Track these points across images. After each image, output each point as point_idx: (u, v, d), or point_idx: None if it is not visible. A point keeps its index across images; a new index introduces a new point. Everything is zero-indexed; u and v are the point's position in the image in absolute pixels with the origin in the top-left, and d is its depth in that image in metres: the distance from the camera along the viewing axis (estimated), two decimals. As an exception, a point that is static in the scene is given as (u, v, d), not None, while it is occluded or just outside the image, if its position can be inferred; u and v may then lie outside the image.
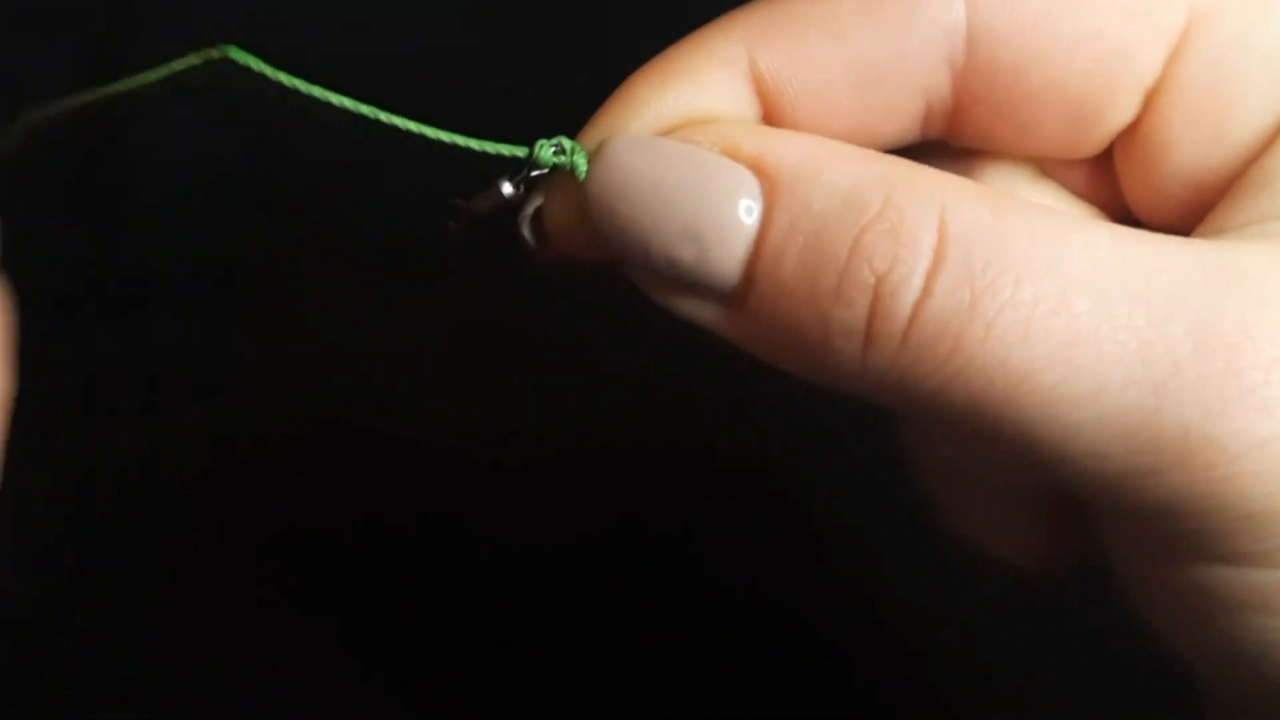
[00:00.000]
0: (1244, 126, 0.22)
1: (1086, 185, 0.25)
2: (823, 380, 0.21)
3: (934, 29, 0.22)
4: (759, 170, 0.20)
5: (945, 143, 0.24)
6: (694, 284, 0.21)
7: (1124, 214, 0.24)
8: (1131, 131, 0.23)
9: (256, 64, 0.19)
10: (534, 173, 0.22)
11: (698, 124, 0.22)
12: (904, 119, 0.23)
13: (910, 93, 0.22)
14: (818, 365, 0.20)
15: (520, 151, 0.22)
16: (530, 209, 0.23)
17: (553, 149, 0.22)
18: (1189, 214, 0.23)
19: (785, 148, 0.20)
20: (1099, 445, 0.19)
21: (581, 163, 0.22)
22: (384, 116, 0.21)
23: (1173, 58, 0.22)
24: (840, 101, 0.22)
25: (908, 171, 0.20)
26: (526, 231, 0.23)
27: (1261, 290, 0.19)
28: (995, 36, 0.22)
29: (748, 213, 0.20)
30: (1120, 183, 0.24)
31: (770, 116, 0.22)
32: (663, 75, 0.22)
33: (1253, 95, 0.22)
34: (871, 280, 0.19)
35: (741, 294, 0.21)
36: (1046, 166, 0.25)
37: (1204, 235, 0.22)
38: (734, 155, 0.21)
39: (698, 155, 0.21)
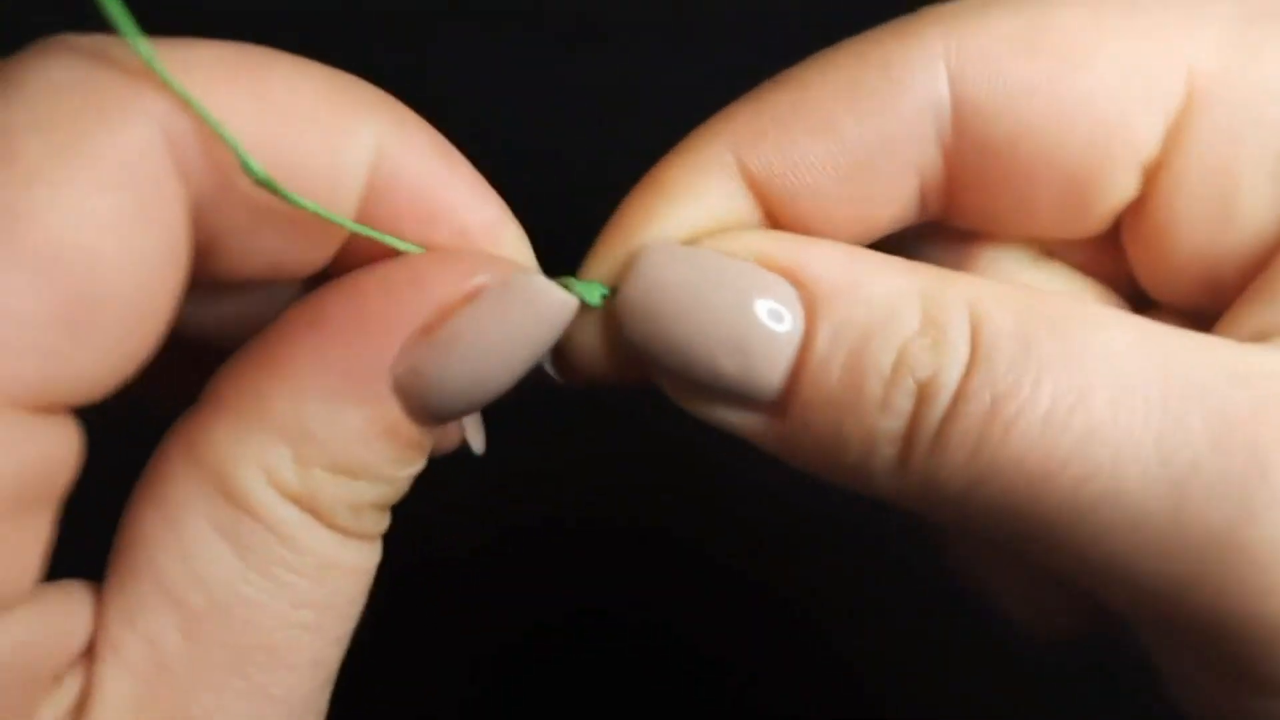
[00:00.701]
0: (1253, 204, 0.21)
1: (1095, 262, 0.24)
2: (856, 486, 0.21)
3: (920, 108, 0.21)
4: (796, 280, 0.20)
5: (947, 225, 0.24)
6: (734, 395, 0.21)
7: (1135, 291, 0.24)
8: (1136, 209, 0.22)
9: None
10: None
11: (724, 233, 0.22)
12: (900, 202, 0.22)
13: (903, 175, 0.22)
14: (856, 471, 0.21)
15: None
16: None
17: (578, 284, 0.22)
18: (1203, 292, 0.23)
19: (819, 259, 0.20)
20: (1125, 554, 0.19)
21: (588, 294, 0.22)
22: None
23: (1174, 131, 0.21)
24: (836, 193, 0.22)
25: (940, 281, 0.20)
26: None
27: None
28: (982, 112, 0.21)
29: (787, 322, 0.20)
30: (1129, 261, 0.23)
31: (771, 217, 0.22)
32: (659, 192, 0.22)
33: (1260, 171, 0.21)
34: (914, 389, 0.20)
35: (783, 403, 0.21)
36: (1053, 246, 0.24)
37: (1224, 334, 0.21)
38: (768, 265, 0.21)
39: (733, 265, 0.21)
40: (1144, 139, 0.21)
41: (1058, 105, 0.21)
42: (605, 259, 0.22)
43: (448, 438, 0.24)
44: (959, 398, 0.19)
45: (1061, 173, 0.21)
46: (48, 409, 0.17)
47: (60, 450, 0.18)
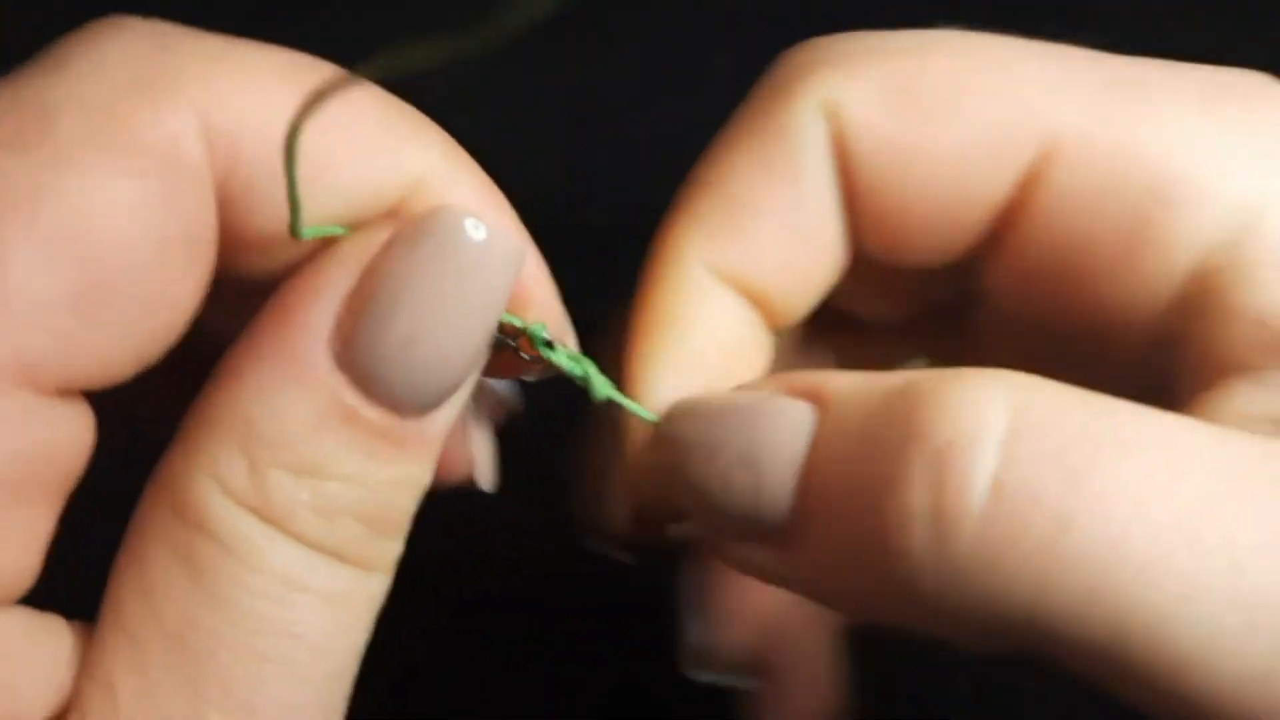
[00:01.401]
0: (1103, 265, 0.21)
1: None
2: (882, 611, 0.19)
3: (816, 159, 0.22)
4: (811, 395, 0.20)
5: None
6: (749, 521, 0.19)
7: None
8: (991, 248, 0.23)
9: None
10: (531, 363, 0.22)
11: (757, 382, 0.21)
12: (837, 247, 0.23)
13: (828, 223, 0.23)
14: (879, 584, 0.18)
15: (518, 321, 0.21)
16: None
17: (544, 339, 0.21)
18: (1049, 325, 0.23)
19: (837, 378, 0.20)
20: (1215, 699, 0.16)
21: (597, 384, 0.22)
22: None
23: (1024, 187, 0.22)
24: (791, 261, 0.23)
25: (969, 380, 0.18)
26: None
27: None
28: (858, 157, 0.22)
29: (796, 434, 0.19)
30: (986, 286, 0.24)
31: (757, 305, 0.23)
32: (665, 331, 0.22)
33: (1111, 235, 0.21)
34: (938, 472, 0.17)
35: (796, 523, 0.19)
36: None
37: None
38: (786, 389, 0.20)
39: (750, 396, 0.20)
40: (991, 193, 0.22)
41: (919, 155, 0.22)
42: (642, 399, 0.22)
43: (453, 468, 0.23)
44: (990, 513, 0.17)
45: (924, 211, 0.22)
46: (57, 392, 0.17)
47: (68, 436, 0.18)
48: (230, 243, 0.19)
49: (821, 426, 0.19)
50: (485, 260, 0.18)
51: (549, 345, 0.21)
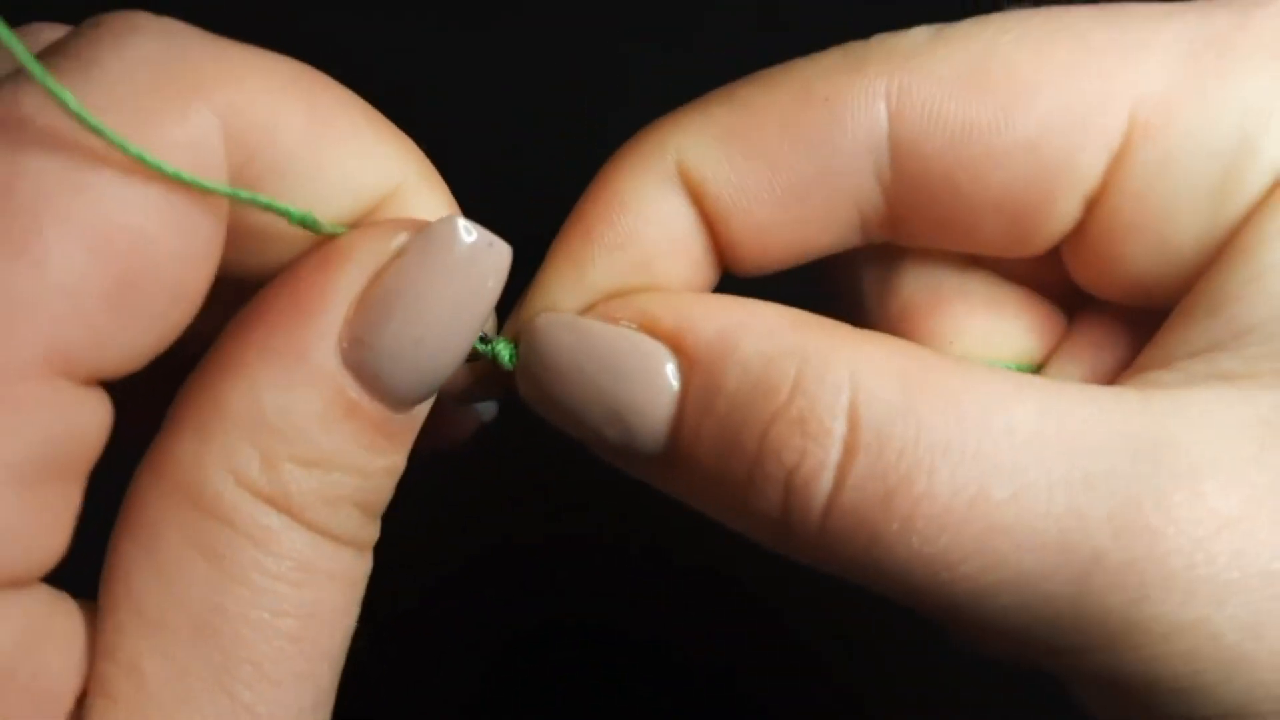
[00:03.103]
0: (1188, 233, 0.21)
1: (1032, 268, 0.24)
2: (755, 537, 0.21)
3: (858, 146, 0.21)
4: (678, 345, 0.21)
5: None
6: (625, 452, 0.22)
7: (1073, 290, 0.24)
8: (1076, 235, 0.22)
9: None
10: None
11: (621, 297, 0.22)
12: (838, 230, 0.22)
13: (840, 207, 0.22)
14: (744, 531, 0.21)
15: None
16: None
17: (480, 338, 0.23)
18: (1140, 299, 0.23)
19: (702, 322, 0.21)
20: (1026, 626, 0.19)
21: (504, 352, 0.23)
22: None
23: (1114, 164, 0.21)
24: (771, 217, 0.22)
25: (822, 343, 0.20)
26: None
27: (1189, 461, 0.19)
28: (921, 152, 0.21)
29: (666, 390, 0.21)
30: (1071, 272, 0.23)
31: (711, 227, 0.22)
32: (606, 209, 0.22)
33: (1194, 202, 0.21)
34: (782, 474, 0.20)
35: (668, 462, 0.21)
36: (995, 263, 0.24)
37: (1150, 365, 0.21)
38: (653, 330, 0.21)
39: (616, 335, 0.21)
40: (1085, 175, 0.21)
41: (997, 146, 0.21)
42: (535, 305, 0.23)
43: (438, 436, 0.24)
44: (840, 486, 0.19)
45: (1002, 207, 0.22)
46: (85, 380, 0.18)
47: (94, 421, 0.18)
48: (233, 239, 0.20)
49: (687, 392, 0.20)
50: (485, 267, 0.20)
51: (485, 342, 0.23)
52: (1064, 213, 0.22)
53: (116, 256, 0.17)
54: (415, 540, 0.27)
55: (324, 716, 0.20)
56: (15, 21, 0.19)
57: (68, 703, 0.18)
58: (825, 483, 0.19)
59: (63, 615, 0.18)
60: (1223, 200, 0.21)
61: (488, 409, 0.27)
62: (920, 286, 0.24)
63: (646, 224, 0.22)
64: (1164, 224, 0.21)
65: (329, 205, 0.20)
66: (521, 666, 0.40)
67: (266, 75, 0.19)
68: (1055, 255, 0.23)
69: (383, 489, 0.20)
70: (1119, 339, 0.23)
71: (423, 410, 0.21)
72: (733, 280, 0.24)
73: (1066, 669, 0.21)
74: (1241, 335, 0.20)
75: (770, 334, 0.20)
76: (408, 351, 0.19)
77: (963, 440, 0.19)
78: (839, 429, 0.19)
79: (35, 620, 0.18)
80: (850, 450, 0.19)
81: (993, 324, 0.23)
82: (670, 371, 0.21)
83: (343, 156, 0.20)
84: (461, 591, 0.39)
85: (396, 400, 0.20)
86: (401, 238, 0.20)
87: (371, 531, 0.20)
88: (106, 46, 0.18)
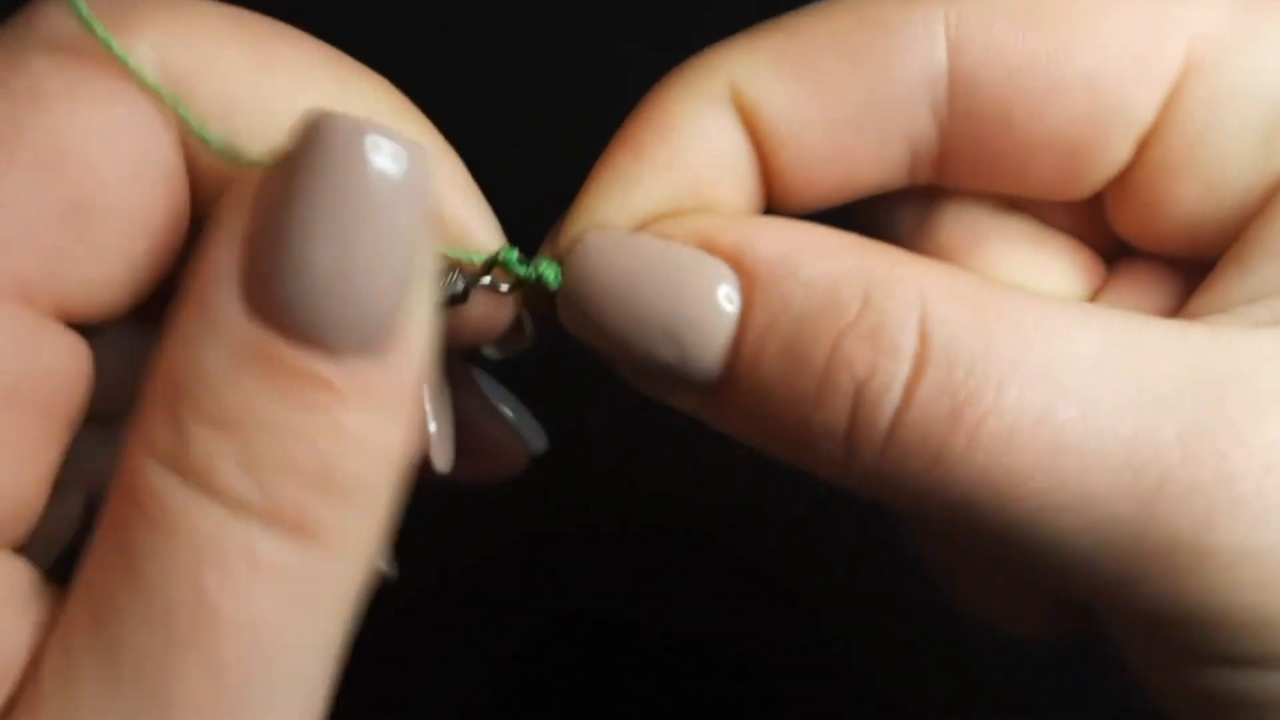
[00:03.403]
0: (1238, 177, 0.21)
1: (1072, 218, 0.24)
2: (808, 469, 0.21)
3: (915, 76, 0.21)
4: (737, 264, 0.20)
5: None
6: (675, 380, 0.20)
7: (1113, 242, 0.24)
8: (1124, 177, 0.22)
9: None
10: (486, 280, 0.22)
11: (674, 217, 0.21)
12: (888, 165, 0.22)
13: (892, 140, 0.22)
14: (800, 460, 0.20)
15: (478, 258, 0.21)
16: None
17: (517, 257, 0.21)
18: (1187, 247, 0.22)
19: (763, 241, 0.20)
20: (1087, 552, 0.19)
21: (549, 272, 0.21)
22: None
23: (1167, 104, 0.21)
24: (822, 147, 0.21)
25: (888, 265, 0.20)
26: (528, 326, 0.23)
27: (1257, 389, 0.19)
28: (979, 84, 0.21)
29: (726, 308, 0.20)
30: (1112, 218, 0.23)
31: (760, 156, 0.22)
32: (655, 126, 0.21)
33: (1246, 145, 0.21)
34: (851, 387, 0.19)
35: (724, 388, 0.20)
36: (1036, 207, 0.24)
37: (1204, 312, 0.21)
38: (711, 249, 0.20)
39: (673, 251, 0.20)
40: (1140, 113, 0.21)
41: (1055, 80, 0.21)
42: (581, 223, 0.22)
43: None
44: (910, 402, 0.19)
45: (1056, 145, 0.21)
46: (54, 314, 0.18)
47: (65, 362, 0.18)
48: (195, 182, 0.19)
49: (750, 311, 0.20)
50: (390, 175, 0.16)
51: (525, 263, 0.21)
52: (1116, 151, 0.22)
53: (65, 180, 0.18)
54: (414, 535, 0.27)
55: None
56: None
57: (6, 684, 0.16)
58: (894, 397, 0.19)
59: (21, 583, 0.17)
60: (1275, 143, 0.21)
61: (537, 440, 0.27)
62: (959, 227, 0.23)
63: (698, 146, 0.21)
64: (1214, 166, 0.21)
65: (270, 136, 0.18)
66: (529, 664, 0.39)
67: (202, 14, 0.19)
68: (1096, 207, 0.23)
69: (341, 459, 0.16)
70: (1161, 289, 0.23)
71: (396, 370, 0.17)
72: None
73: (1119, 604, 0.20)
74: None
75: (836, 253, 0.20)
76: (302, 281, 0.16)
77: (1030, 360, 0.19)
78: (910, 344, 0.19)
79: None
80: (920, 365, 0.19)
81: (1033, 265, 0.23)
82: (731, 288, 0.20)
83: (291, 93, 0.19)
84: (465, 589, 0.39)
85: (325, 342, 0.16)
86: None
87: (337, 517, 0.17)
88: (49, 3, 0.18)
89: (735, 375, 0.20)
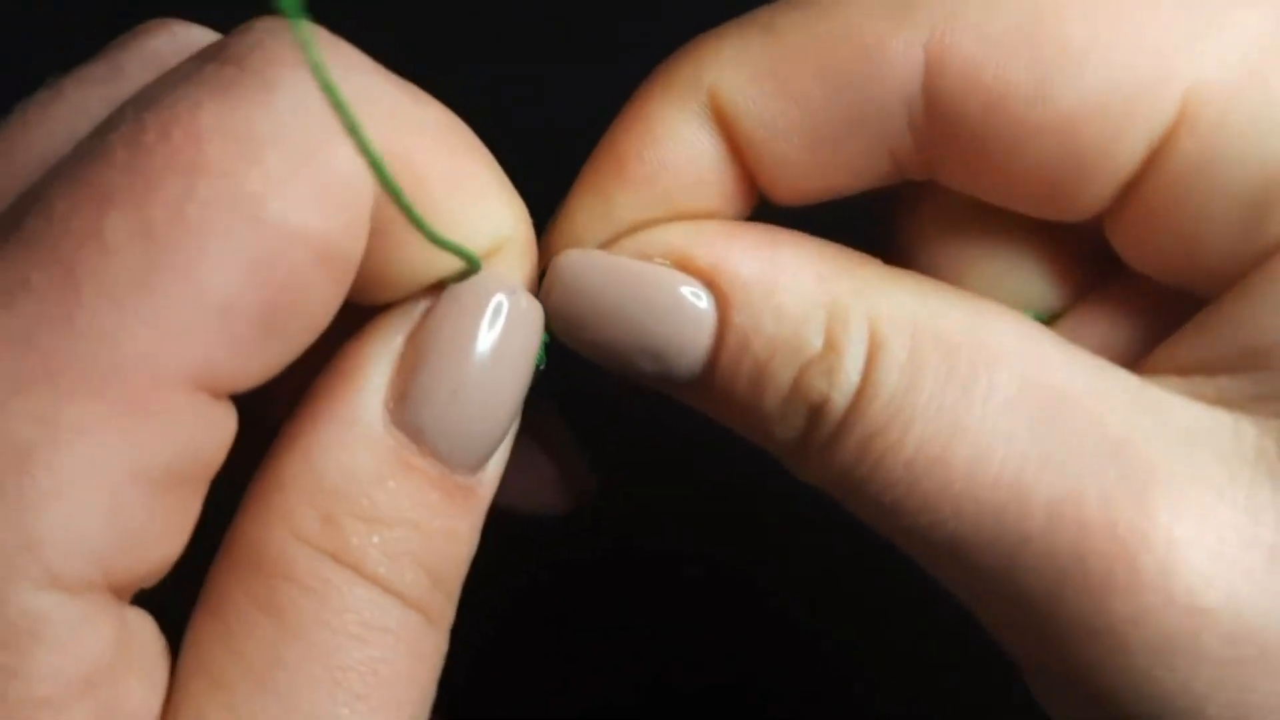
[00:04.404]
0: (1221, 240, 0.20)
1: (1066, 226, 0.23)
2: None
3: (892, 96, 0.21)
4: (712, 284, 0.21)
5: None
6: (658, 380, 0.22)
7: (1106, 253, 0.23)
8: (1112, 212, 0.22)
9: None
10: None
11: (652, 226, 0.22)
12: (871, 173, 0.22)
13: (874, 152, 0.22)
14: (769, 449, 0.22)
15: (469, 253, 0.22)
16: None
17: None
18: (1173, 280, 0.22)
19: (738, 259, 0.21)
20: (966, 583, 0.21)
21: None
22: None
23: (1154, 153, 0.20)
24: (801, 156, 0.22)
25: (851, 294, 0.21)
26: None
27: (1151, 469, 0.19)
28: (955, 112, 0.20)
29: (702, 327, 0.21)
30: (1106, 228, 0.22)
31: (741, 162, 0.22)
32: (635, 137, 0.22)
33: (1230, 211, 0.20)
34: (806, 411, 0.21)
35: (703, 386, 0.22)
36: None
37: (1158, 371, 0.21)
38: (686, 267, 0.21)
39: (649, 273, 0.21)
40: (1121, 163, 0.20)
41: (1033, 121, 0.20)
42: (561, 240, 0.23)
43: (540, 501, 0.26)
44: (841, 426, 0.20)
45: (1034, 179, 0.21)
46: (221, 394, 0.18)
47: (222, 432, 0.19)
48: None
49: (724, 330, 0.21)
50: (517, 325, 0.20)
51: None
52: (1097, 194, 0.21)
53: (272, 285, 0.18)
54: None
55: None
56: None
57: None
58: (834, 421, 0.20)
59: (154, 649, 0.19)
60: (1265, 211, 0.19)
61: (587, 474, 0.28)
62: (939, 225, 0.24)
63: (676, 158, 0.22)
64: (1195, 227, 0.20)
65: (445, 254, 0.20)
66: (533, 674, 0.40)
67: (419, 117, 0.20)
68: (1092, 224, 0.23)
69: (447, 554, 0.20)
70: (1142, 316, 0.23)
71: (488, 481, 0.21)
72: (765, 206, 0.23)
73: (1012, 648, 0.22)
74: (1254, 362, 0.20)
75: (805, 280, 0.21)
76: (447, 404, 0.20)
77: (942, 398, 0.20)
78: (854, 380, 0.20)
79: (130, 640, 0.18)
80: (858, 397, 0.20)
81: (1014, 265, 0.23)
82: (706, 309, 0.21)
83: (471, 209, 0.20)
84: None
85: (449, 458, 0.20)
86: (427, 300, 0.21)
87: (443, 603, 0.20)
88: (283, 74, 0.18)
89: (711, 382, 0.22)
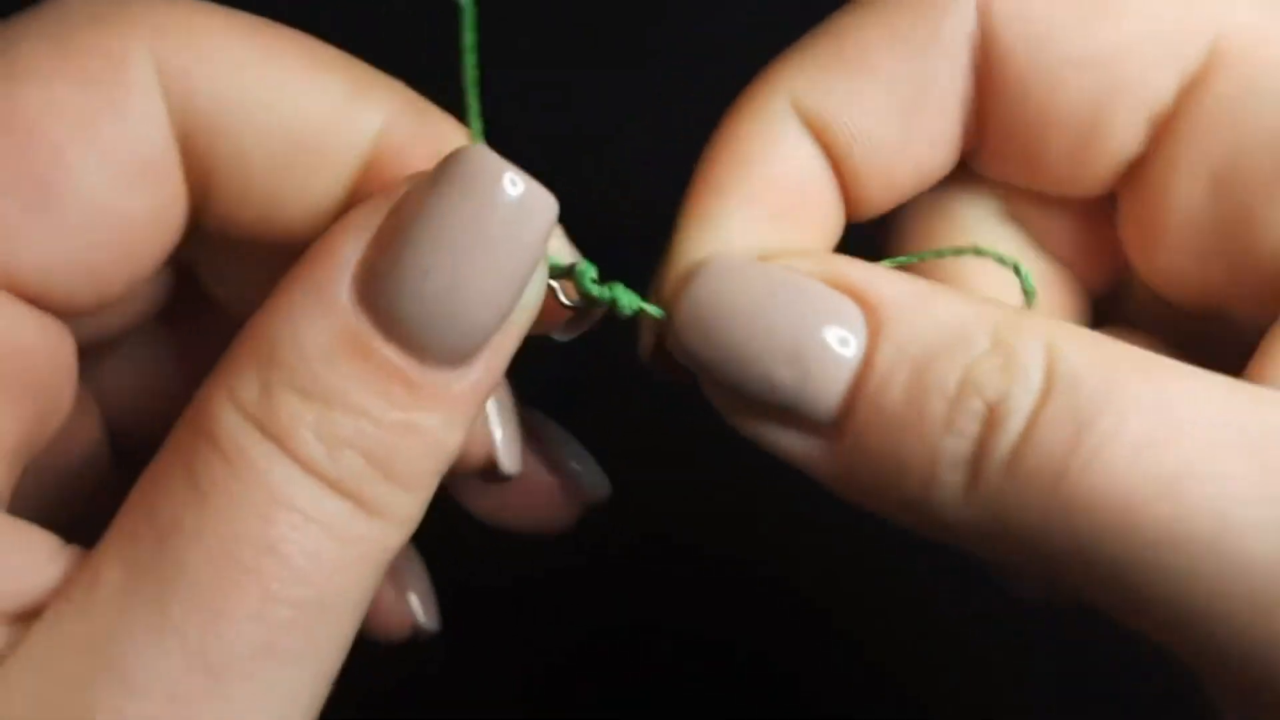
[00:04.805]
0: (1254, 181, 0.20)
1: (1072, 247, 0.24)
2: (917, 520, 0.20)
3: (952, 46, 0.21)
4: (862, 300, 0.20)
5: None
6: (789, 411, 0.20)
7: (1109, 282, 0.23)
8: (1135, 173, 0.22)
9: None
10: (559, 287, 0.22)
11: (796, 253, 0.21)
12: (944, 142, 0.23)
13: (944, 112, 0.22)
14: (918, 500, 0.19)
15: (562, 262, 0.21)
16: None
17: (592, 278, 0.21)
18: (1197, 276, 0.22)
19: (887, 281, 0.20)
20: (1211, 597, 0.18)
21: (623, 297, 0.21)
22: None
23: (1186, 92, 0.21)
24: (889, 135, 0.22)
25: (1011, 312, 0.20)
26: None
27: None
28: (1003, 48, 0.21)
29: (846, 343, 0.20)
30: (1121, 232, 0.23)
31: (834, 160, 0.22)
32: (733, 159, 0.22)
33: (1264, 147, 0.20)
34: (982, 410, 0.19)
35: (840, 422, 0.20)
36: (1039, 220, 0.24)
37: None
38: (836, 285, 0.20)
39: (799, 280, 0.20)
40: (1154, 93, 0.21)
41: (1075, 53, 0.21)
42: (690, 251, 0.22)
43: (472, 455, 0.24)
44: (1035, 423, 0.18)
45: (1068, 125, 0.21)
46: (24, 298, 0.18)
47: (41, 345, 0.19)
48: (202, 183, 0.20)
49: (877, 345, 0.20)
50: (509, 211, 0.18)
51: (598, 282, 0.21)
52: (1128, 131, 0.21)
53: (25, 154, 0.18)
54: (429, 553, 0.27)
55: (292, 677, 0.18)
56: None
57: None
58: (1021, 418, 0.18)
59: (17, 532, 0.18)
60: None
61: (600, 486, 0.27)
62: (957, 226, 0.24)
63: (777, 170, 0.22)
64: (1228, 164, 0.21)
65: (310, 155, 0.20)
66: (551, 675, 0.39)
67: (202, 13, 0.19)
68: (1102, 236, 0.23)
69: (405, 450, 0.18)
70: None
71: (472, 380, 0.19)
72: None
73: (1241, 681, 0.19)
74: None
75: (961, 298, 0.20)
76: (416, 289, 0.18)
77: (1151, 394, 0.18)
78: (1037, 374, 0.19)
79: None
80: (1047, 390, 0.18)
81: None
82: (856, 321, 0.20)
83: (299, 93, 0.20)
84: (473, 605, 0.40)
85: (422, 350, 0.18)
86: (415, 170, 0.19)
87: (392, 496, 0.18)
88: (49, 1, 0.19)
89: (856, 404, 0.20)
